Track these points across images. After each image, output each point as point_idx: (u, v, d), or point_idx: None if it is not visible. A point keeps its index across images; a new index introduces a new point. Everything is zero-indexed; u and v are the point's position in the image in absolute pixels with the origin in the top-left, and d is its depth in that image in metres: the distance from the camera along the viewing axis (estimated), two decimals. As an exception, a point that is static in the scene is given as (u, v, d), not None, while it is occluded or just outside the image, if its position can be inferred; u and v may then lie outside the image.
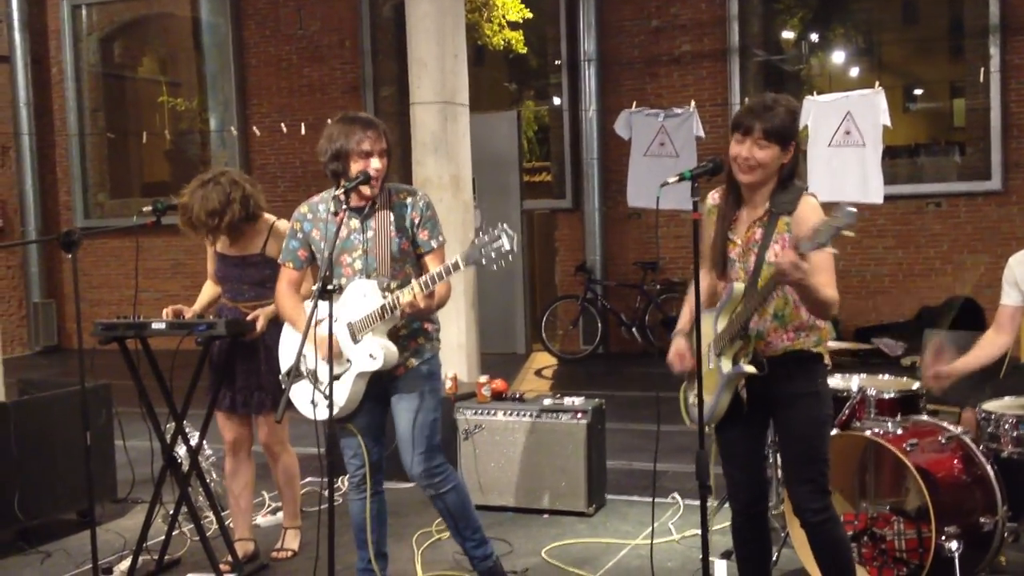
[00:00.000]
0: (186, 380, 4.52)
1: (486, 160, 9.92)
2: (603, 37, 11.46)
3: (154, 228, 4.76)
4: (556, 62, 12.03)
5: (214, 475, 5.41)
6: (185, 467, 4.68)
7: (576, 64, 11.58)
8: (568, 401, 5.52)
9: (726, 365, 3.32)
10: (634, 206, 10.08)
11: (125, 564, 4.62)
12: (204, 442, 4.86)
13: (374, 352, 3.80)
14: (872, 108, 7.76)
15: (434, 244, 3.96)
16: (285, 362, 4.07)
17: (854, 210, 2.63)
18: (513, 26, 12.00)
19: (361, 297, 3.84)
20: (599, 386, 8.85)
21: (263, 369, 4.63)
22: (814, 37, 12.84)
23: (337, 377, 3.83)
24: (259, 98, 12.78)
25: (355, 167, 3.82)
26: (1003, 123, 10.06)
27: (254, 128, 12.52)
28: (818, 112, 7.95)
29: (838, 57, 13.05)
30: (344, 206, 3.79)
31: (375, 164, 3.82)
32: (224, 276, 4.74)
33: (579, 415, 5.37)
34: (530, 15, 11.92)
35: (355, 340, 3.83)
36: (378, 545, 4.08)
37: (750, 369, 3.29)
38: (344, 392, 3.86)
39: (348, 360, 3.85)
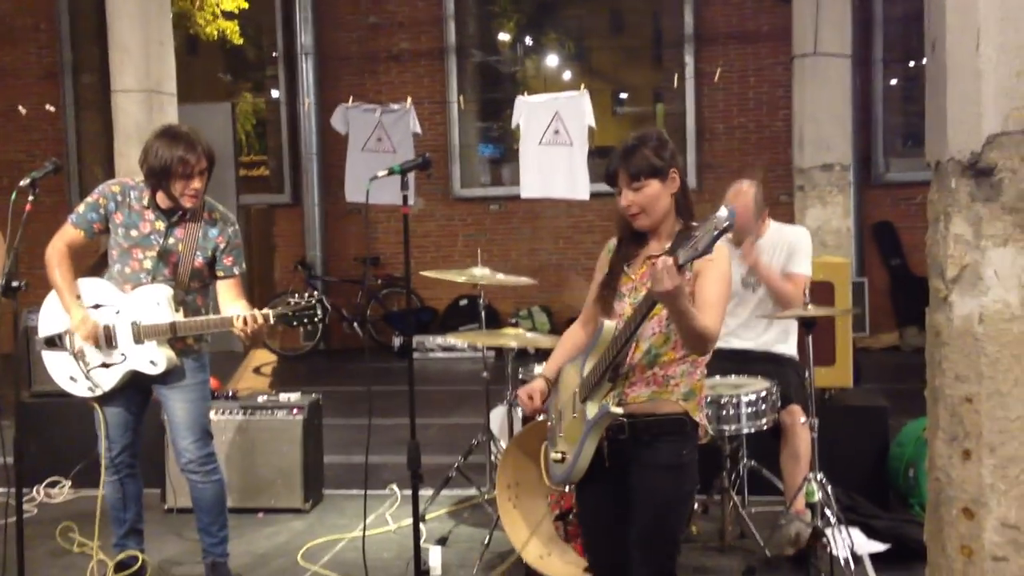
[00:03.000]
0: None
1: (199, 153, 9.51)
2: (321, 30, 11.36)
3: None
4: (273, 54, 11.79)
5: None
6: None
7: (293, 57, 11.41)
8: (284, 397, 5.43)
9: (591, 409, 2.92)
10: (352, 201, 10.06)
11: None
12: None
13: (156, 360, 3.98)
14: (578, 109, 8.16)
15: (236, 271, 4.13)
16: (46, 328, 4.11)
17: (730, 208, 2.50)
18: (228, 16, 11.63)
19: (154, 304, 3.96)
20: (320, 382, 8.75)
21: None
22: (528, 40, 13.28)
23: (106, 365, 4.01)
24: (-58, 81, 11.70)
25: (176, 187, 3.91)
26: (696, 126, 10.85)
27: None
28: (529, 112, 8.26)
29: (551, 60, 13.57)
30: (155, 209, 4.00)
31: (195, 185, 3.93)
32: None
33: (294, 411, 5.30)
34: (246, 5, 11.56)
35: (137, 341, 3.96)
36: (132, 523, 4.28)
37: (617, 410, 2.88)
38: (111, 381, 4.03)
39: (123, 354, 4.00)
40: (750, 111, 10.85)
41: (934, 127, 2.81)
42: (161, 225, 4.02)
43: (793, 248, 4.67)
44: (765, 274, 4.61)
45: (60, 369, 4.11)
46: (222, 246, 4.08)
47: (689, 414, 2.92)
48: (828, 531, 4.10)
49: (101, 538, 4.21)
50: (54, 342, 4.09)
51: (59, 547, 4.78)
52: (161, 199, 4.00)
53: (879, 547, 4.35)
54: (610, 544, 3.04)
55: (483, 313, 5.32)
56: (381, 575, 4.37)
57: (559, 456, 3.05)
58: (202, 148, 3.95)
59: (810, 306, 4.25)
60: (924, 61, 2.98)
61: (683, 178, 2.99)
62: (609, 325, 2.92)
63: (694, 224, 2.76)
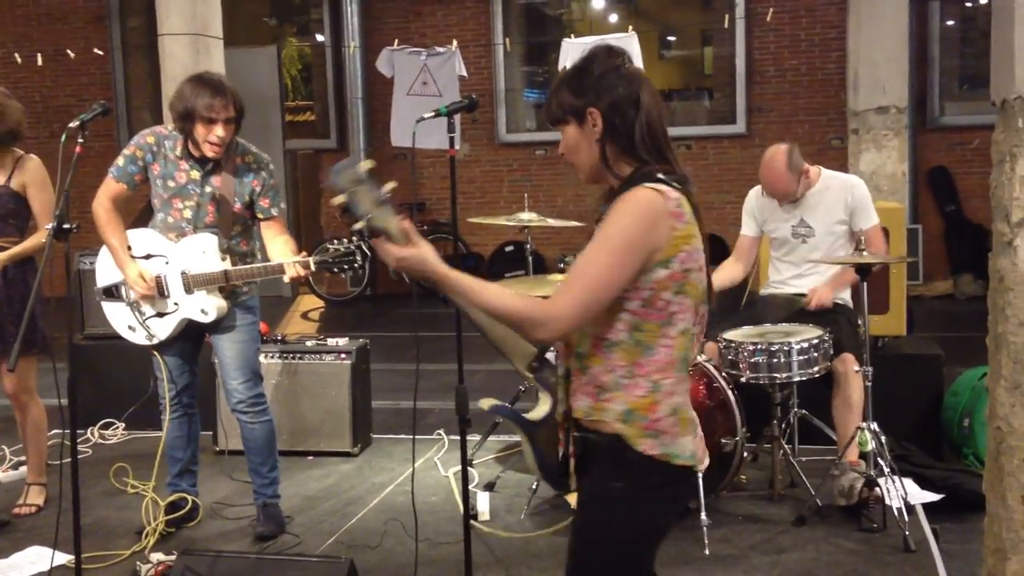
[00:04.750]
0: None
1: (245, 97, 9.44)
2: (365, -28, 11.23)
3: None
4: (317, -4, 11.70)
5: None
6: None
7: (338, -1, 11.31)
8: (332, 342, 5.45)
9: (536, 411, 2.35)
10: (397, 145, 10.02)
11: None
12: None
13: (207, 308, 4.04)
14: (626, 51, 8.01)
15: (274, 212, 4.13)
16: (103, 279, 4.22)
17: (363, 163, 2.08)
18: (272, -42, 11.57)
19: (200, 253, 4.01)
20: (367, 328, 8.79)
21: (5, 314, 4.33)
22: (574, -19, 13.05)
23: (161, 315, 4.10)
24: (-8, 26, 11.76)
25: (199, 131, 3.92)
26: (747, 69, 10.63)
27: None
28: (575, 54, 8.11)
29: (598, 2, 13.34)
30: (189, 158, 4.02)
31: (218, 132, 3.93)
32: None
33: (342, 356, 5.32)
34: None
35: (188, 291, 4.04)
36: (187, 463, 4.38)
37: (484, 404, 2.37)
38: (167, 330, 4.12)
39: (175, 304, 4.07)
40: (802, 53, 10.59)
41: (1000, 64, 2.70)
42: (196, 174, 4.05)
43: (854, 204, 4.60)
44: (842, 284, 4.59)
45: (119, 318, 4.20)
46: (258, 190, 4.11)
47: (625, 439, 2.14)
48: (881, 481, 4.05)
49: (155, 479, 4.28)
50: (111, 292, 4.18)
51: (113, 487, 4.86)
52: (193, 147, 4.01)
53: (933, 497, 4.29)
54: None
55: (531, 258, 5.28)
56: (430, 519, 4.39)
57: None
58: (230, 96, 3.95)
59: (865, 253, 4.17)
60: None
61: (622, 116, 2.16)
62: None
63: (651, 168, 2.15)
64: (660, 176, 2.14)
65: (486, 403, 2.38)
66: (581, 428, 2.22)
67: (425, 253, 2.07)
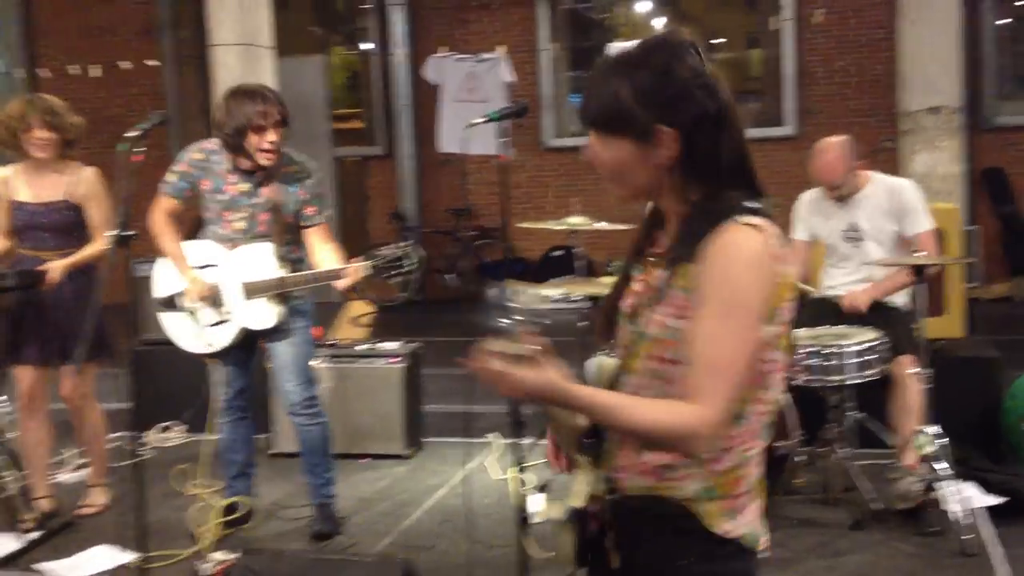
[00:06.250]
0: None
1: (293, 106, 9.47)
2: (411, -20, 11.31)
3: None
4: (364, 5, 11.79)
5: (8, 434, 5.11)
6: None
7: (384, 8, 11.39)
8: (383, 346, 5.49)
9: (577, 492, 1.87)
10: (445, 151, 10.07)
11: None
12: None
13: (264, 316, 4.11)
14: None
15: (320, 219, 4.19)
16: (161, 290, 4.27)
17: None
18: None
19: (257, 261, 4.07)
20: (416, 332, 8.80)
21: (69, 320, 4.42)
22: (619, -14, 13.05)
23: (219, 323, 4.16)
24: (47, 39, 11.96)
25: (252, 140, 3.98)
26: (795, 71, 10.55)
27: (39, 71, 11.74)
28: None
29: (642, 6, 13.33)
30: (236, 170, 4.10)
31: (270, 137, 3.99)
32: (25, 225, 4.49)
33: (394, 360, 5.36)
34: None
35: (245, 299, 4.09)
36: (243, 466, 4.43)
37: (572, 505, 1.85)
38: (226, 339, 4.18)
39: (233, 312, 4.13)
40: (851, 53, 10.49)
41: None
42: (246, 186, 4.11)
43: (903, 209, 4.55)
44: (883, 292, 4.53)
45: (178, 328, 4.27)
46: (304, 198, 4.16)
47: (698, 518, 1.75)
48: (940, 485, 4.00)
49: (210, 481, 4.34)
50: (170, 303, 4.24)
51: (172, 489, 4.94)
52: (241, 161, 4.06)
53: (995, 500, 4.23)
54: None
55: (584, 262, 5.27)
56: (483, 521, 4.41)
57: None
58: (274, 100, 4.02)
59: (922, 254, 4.13)
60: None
61: (707, 138, 1.70)
62: (605, 363, 1.90)
63: (733, 193, 1.70)
64: (748, 205, 1.70)
65: (555, 509, 1.87)
66: (630, 498, 1.80)
67: (551, 376, 1.68)
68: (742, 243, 1.67)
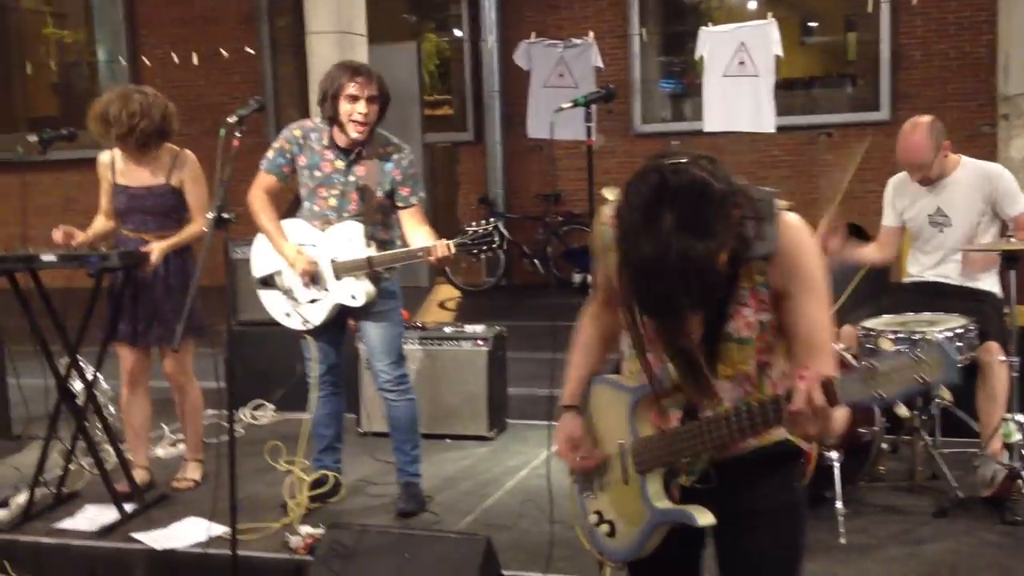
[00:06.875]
0: (80, 315, 4.46)
1: (386, 92, 9.76)
2: (503, -33, 11.37)
3: (43, 164, 4.66)
4: (456, -7, 11.91)
5: (111, 409, 5.36)
6: (81, 401, 4.63)
7: (476, -5, 11.48)
8: (469, 329, 5.59)
9: (655, 494, 2.11)
10: (534, 137, 10.12)
11: (22, 497, 4.56)
12: (100, 376, 4.81)
13: (356, 294, 4.20)
14: (765, 38, 7.93)
15: (414, 201, 4.26)
16: (259, 269, 4.40)
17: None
18: (412, -45, 11.82)
19: (347, 240, 4.17)
20: (502, 317, 8.88)
21: (165, 300, 4.60)
22: (712, -31, 12.91)
23: (314, 301, 4.27)
24: (148, 28, 12.37)
25: (343, 109, 4.08)
26: (892, 54, 10.33)
27: (144, 59, 12.15)
28: (713, 43, 8.09)
29: (737, -10, 13.18)
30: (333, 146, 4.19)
31: (360, 108, 4.08)
32: (127, 208, 4.67)
33: (480, 342, 5.45)
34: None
35: (337, 277, 4.19)
36: (332, 440, 4.56)
37: (705, 520, 2.05)
38: (321, 315, 4.29)
39: (327, 290, 4.24)
40: (950, 36, 10.23)
41: None
42: (341, 164, 4.21)
43: (997, 193, 4.45)
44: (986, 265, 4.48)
45: (275, 306, 4.41)
46: (398, 179, 4.24)
47: (790, 442, 2.08)
48: (1026, 473, 3.94)
49: (302, 456, 4.48)
50: (267, 281, 4.38)
51: (265, 464, 5.11)
52: (338, 136, 4.18)
53: (1082, 491, 4.14)
54: None
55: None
56: (563, 502, 4.46)
57: (602, 524, 2.31)
58: (373, 76, 4.12)
59: (1012, 239, 4.05)
60: None
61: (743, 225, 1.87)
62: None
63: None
64: (767, 190, 2.01)
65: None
66: (727, 465, 2.09)
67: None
68: (805, 231, 1.97)
